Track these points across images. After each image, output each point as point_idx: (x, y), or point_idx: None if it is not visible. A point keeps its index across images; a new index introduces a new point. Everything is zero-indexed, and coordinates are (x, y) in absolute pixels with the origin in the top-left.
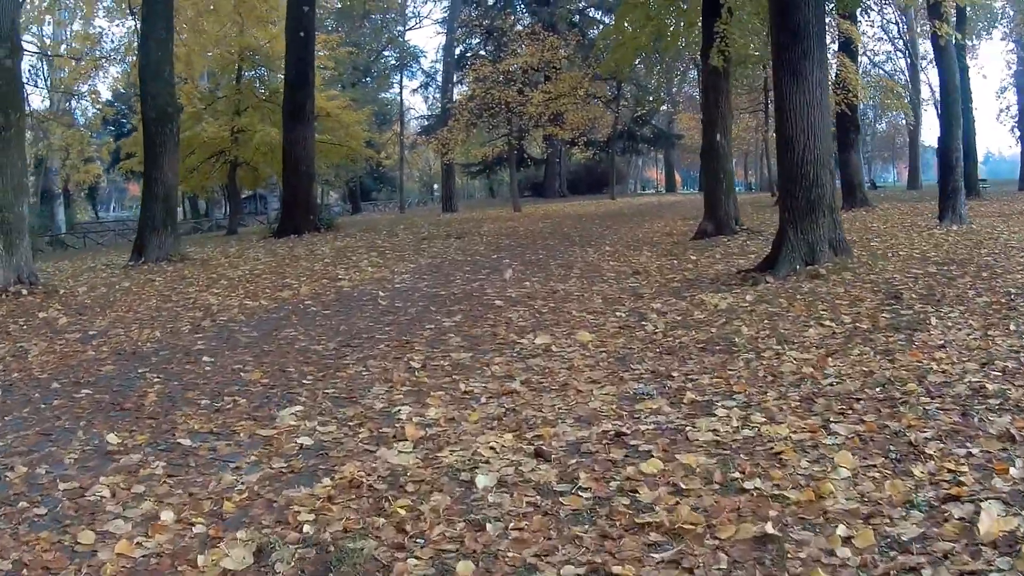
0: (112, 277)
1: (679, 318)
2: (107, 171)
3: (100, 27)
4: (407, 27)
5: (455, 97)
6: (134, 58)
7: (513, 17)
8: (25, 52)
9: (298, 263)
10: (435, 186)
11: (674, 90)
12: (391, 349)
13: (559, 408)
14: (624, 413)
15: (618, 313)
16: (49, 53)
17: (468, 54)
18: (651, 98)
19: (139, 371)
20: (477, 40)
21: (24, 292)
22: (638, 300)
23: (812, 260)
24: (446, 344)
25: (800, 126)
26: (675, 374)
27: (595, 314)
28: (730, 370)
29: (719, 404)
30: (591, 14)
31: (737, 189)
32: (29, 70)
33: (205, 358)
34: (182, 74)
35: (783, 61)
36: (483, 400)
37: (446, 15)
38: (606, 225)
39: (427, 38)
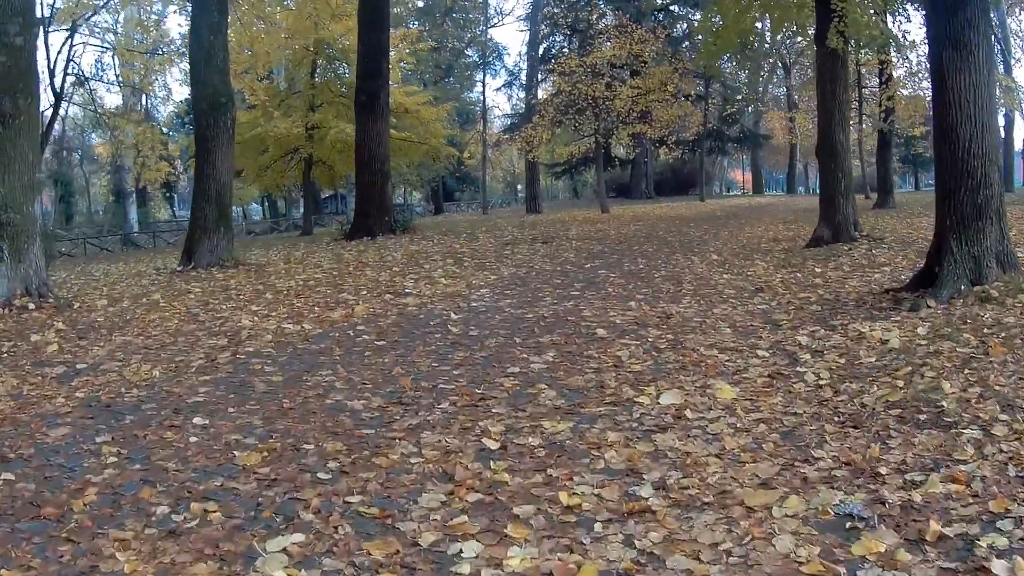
0: (151, 285)
1: (842, 361)
2: (184, 169)
3: (155, 13)
4: (489, 24)
5: (539, 94)
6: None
7: (596, 15)
8: (89, 45)
9: (363, 271)
10: (518, 187)
11: (760, 89)
12: (458, 411)
13: (726, 550)
14: (838, 559)
15: (758, 351)
16: (115, 47)
17: (552, 50)
18: (739, 96)
19: (98, 440)
20: (561, 37)
21: (31, 306)
22: (776, 330)
23: (978, 278)
24: (536, 403)
25: (966, 111)
26: (883, 470)
27: (728, 352)
28: (959, 461)
29: (982, 541)
30: (675, 10)
31: (818, 190)
32: (95, 63)
33: (196, 419)
34: (255, 68)
35: (942, 33)
36: (598, 530)
37: (529, 11)
38: (703, 229)
39: (510, 35)
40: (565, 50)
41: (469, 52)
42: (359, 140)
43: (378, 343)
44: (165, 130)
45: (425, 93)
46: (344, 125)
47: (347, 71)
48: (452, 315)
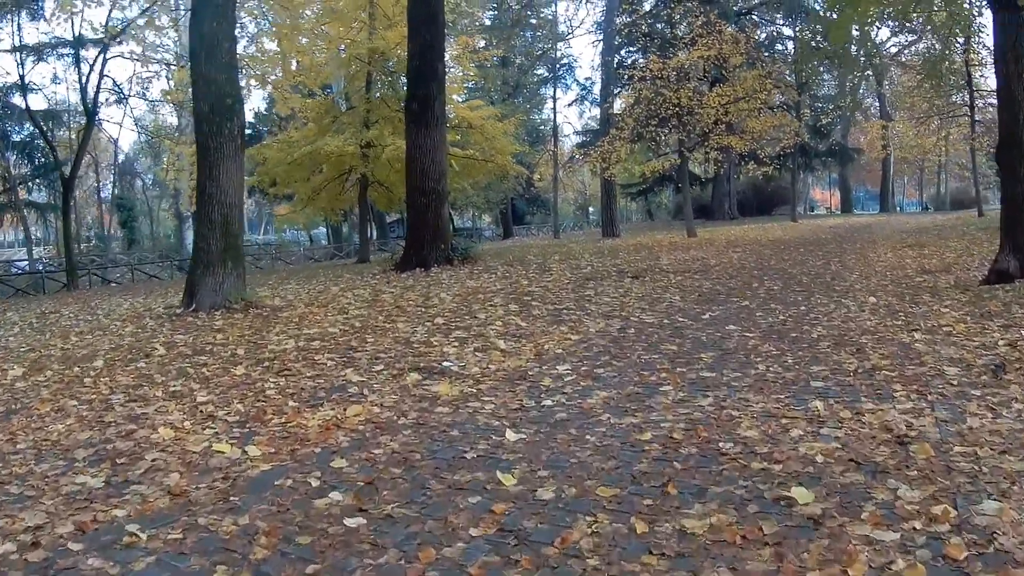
0: (128, 336)
1: None
2: (249, 192)
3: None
4: (560, 38)
5: (615, 106)
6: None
7: (679, 12)
8: (134, 59)
9: (394, 323)
10: (590, 209)
11: (849, 99)
12: None
13: None
14: None
15: None
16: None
17: (628, 60)
18: (832, 105)
19: None
20: (635, 48)
21: None
22: None
23: None
24: None
25: None
26: None
27: None
28: None
29: None
30: (755, 17)
31: (911, 208)
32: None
33: None
34: (305, 85)
35: None
36: None
37: (601, 20)
38: (820, 256)
39: (581, 48)
40: (640, 60)
41: (539, 69)
42: (410, 154)
43: (350, 519)
44: None
45: (490, 108)
46: (401, 142)
47: (404, 84)
48: (508, 433)
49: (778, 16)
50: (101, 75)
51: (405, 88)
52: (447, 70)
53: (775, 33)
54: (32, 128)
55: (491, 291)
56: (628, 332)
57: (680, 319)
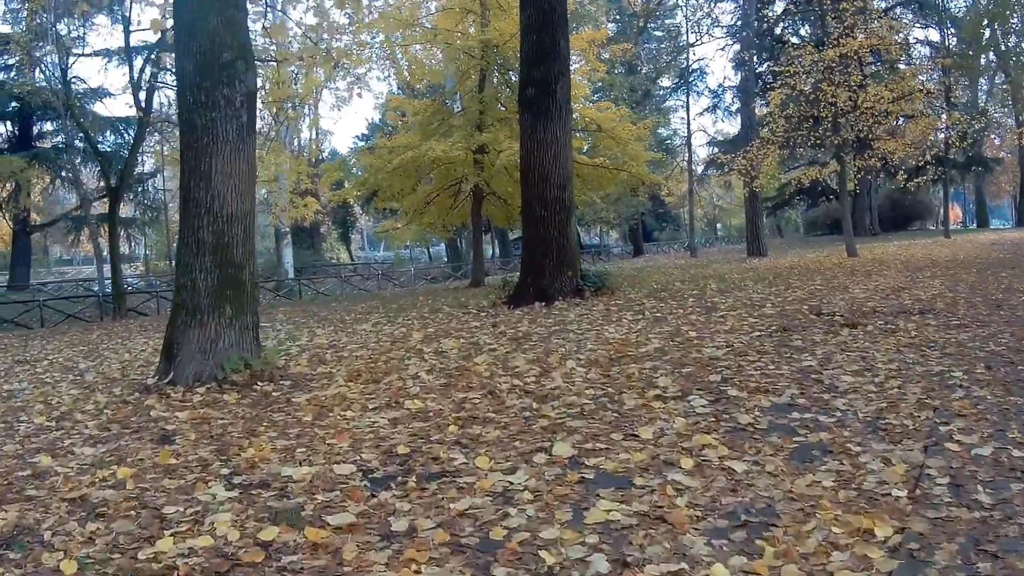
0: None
1: None
2: (362, 207)
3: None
4: (693, 42)
5: (758, 110)
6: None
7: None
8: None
9: (483, 430)
10: (718, 225)
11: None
12: None
13: None
14: None
15: None
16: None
17: (764, 65)
18: (975, 114)
19: None
20: (765, 54)
21: None
22: None
23: None
24: None
25: None
26: None
27: None
28: None
29: None
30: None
31: (1001, 224)
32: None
33: None
34: (409, 86)
35: None
36: None
37: (734, 23)
38: None
39: (709, 55)
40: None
41: (664, 80)
42: (526, 153)
43: None
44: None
45: (623, 108)
46: (518, 146)
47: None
48: None
49: (917, 19)
50: (153, 72)
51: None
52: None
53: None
54: (114, 137)
55: (645, 352)
56: (970, 493)
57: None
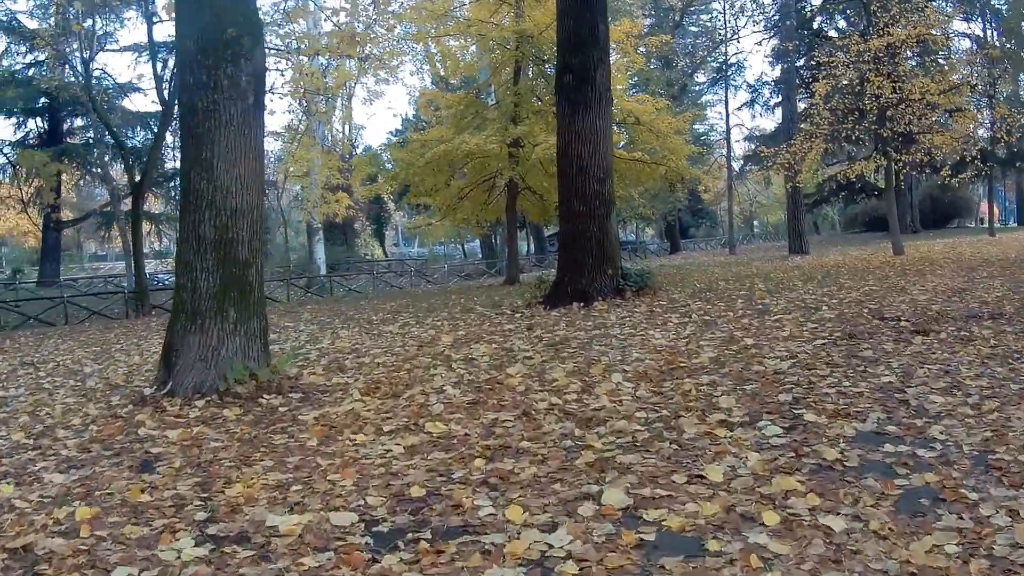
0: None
1: None
2: (395, 203)
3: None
4: (728, 36)
5: (799, 104)
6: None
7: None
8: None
9: (522, 456)
10: (755, 223)
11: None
12: None
13: None
14: None
15: None
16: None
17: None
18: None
19: None
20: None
21: None
22: None
23: None
24: None
25: None
26: None
27: None
28: None
29: None
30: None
31: None
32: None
33: None
34: (443, 80)
35: None
36: None
37: (772, 16)
38: None
39: (750, 47)
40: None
41: (700, 76)
42: (563, 145)
43: None
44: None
45: (661, 100)
46: (555, 139)
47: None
48: None
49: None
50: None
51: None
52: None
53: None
54: (144, 133)
55: (699, 363)
56: None
57: None
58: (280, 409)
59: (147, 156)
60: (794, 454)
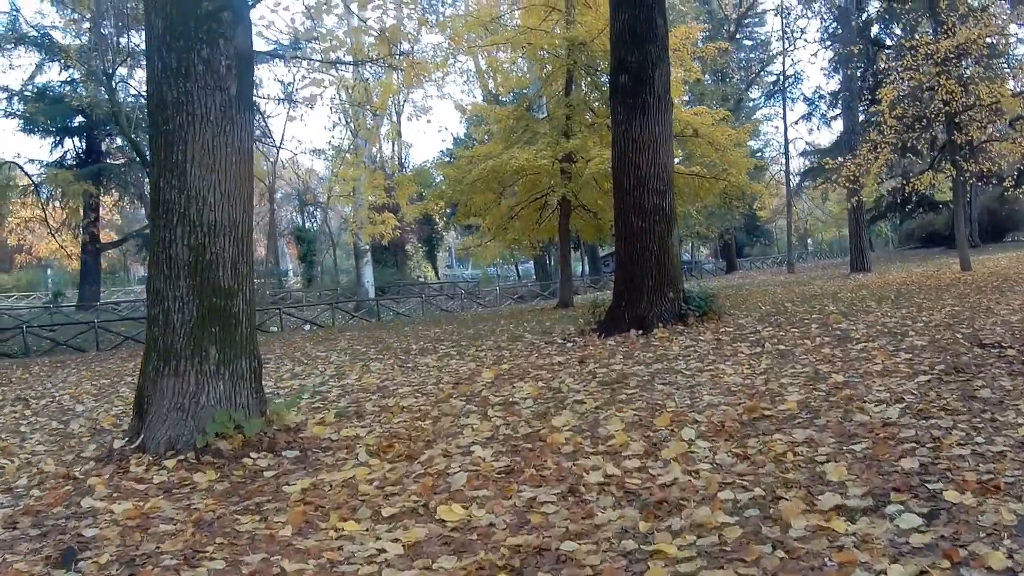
0: None
1: None
2: (446, 223)
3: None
4: (785, 48)
5: (859, 113)
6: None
7: None
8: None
9: (564, 566)
10: (808, 240)
11: None
12: None
13: None
14: None
15: None
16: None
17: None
18: None
19: None
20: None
21: None
22: None
23: None
24: None
25: None
26: None
27: None
28: None
29: None
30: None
31: None
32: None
33: None
34: (492, 95)
35: None
36: None
37: (829, 26)
38: None
39: (806, 58)
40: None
41: (755, 91)
42: (619, 153)
43: None
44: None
45: (720, 110)
46: (609, 153)
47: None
48: None
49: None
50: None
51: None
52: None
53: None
54: None
55: (786, 410)
56: None
57: None
58: (266, 473)
59: None
60: (948, 561)
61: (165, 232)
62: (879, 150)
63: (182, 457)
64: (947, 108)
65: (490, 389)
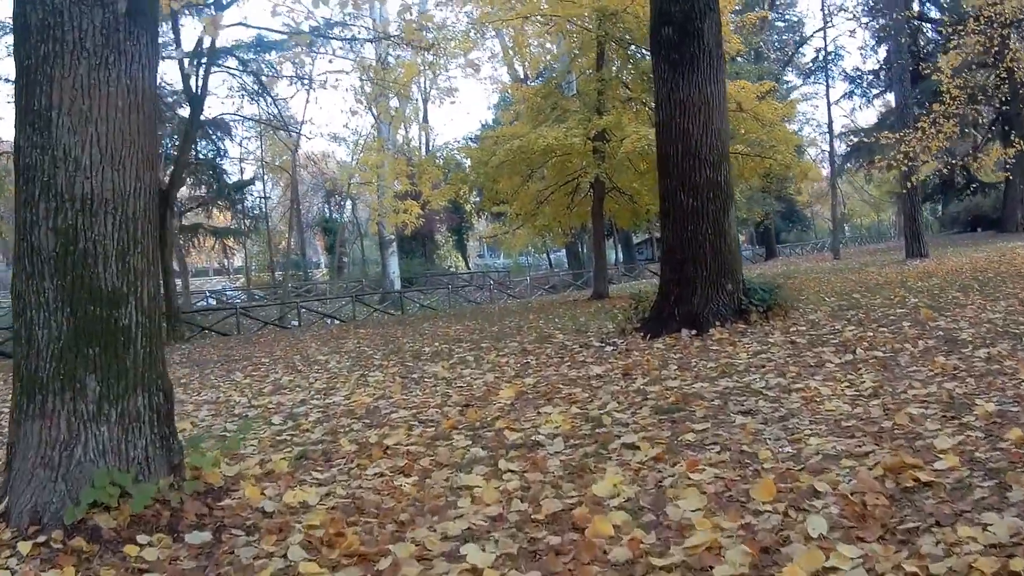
0: None
1: None
2: (475, 211)
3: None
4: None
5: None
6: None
7: None
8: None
9: None
10: (845, 226)
11: None
12: None
13: None
14: None
15: None
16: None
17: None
18: None
19: None
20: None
21: None
22: None
23: None
24: None
25: None
26: None
27: None
28: None
29: None
30: None
31: None
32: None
33: None
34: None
35: None
36: None
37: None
38: None
39: (844, 33)
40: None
41: (790, 74)
42: (664, 119)
43: None
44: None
45: (766, 82)
46: (647, 130)
47: (645, 55)
48: None
49: None
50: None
51: (647, 59)
52: None
53: None
54: (204, 143)
55: (943, 463)
56: None
57: None
58: (150, 574)
59: (208, 166)
60: None
61: (26, 211)
62: (938, 124)
63: (44, 538)
64: (1014, 77)
65: (507, 417)
